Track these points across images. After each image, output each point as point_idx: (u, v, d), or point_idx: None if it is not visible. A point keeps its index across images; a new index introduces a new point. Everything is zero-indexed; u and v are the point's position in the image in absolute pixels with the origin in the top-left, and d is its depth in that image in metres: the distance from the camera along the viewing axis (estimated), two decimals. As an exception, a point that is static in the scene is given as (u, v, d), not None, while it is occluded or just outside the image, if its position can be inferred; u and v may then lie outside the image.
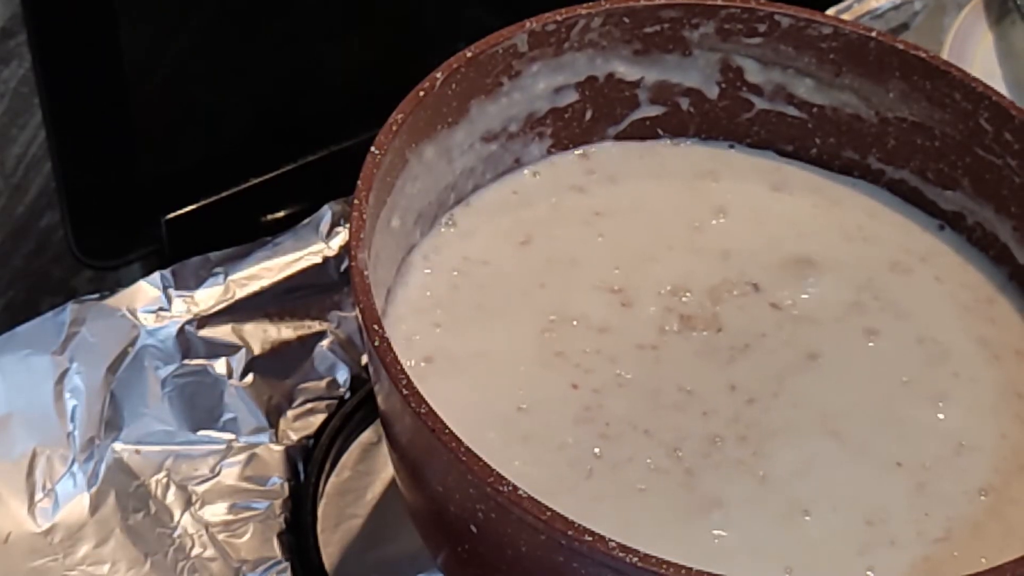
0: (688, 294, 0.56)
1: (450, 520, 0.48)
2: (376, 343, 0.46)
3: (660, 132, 0.62)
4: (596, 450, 0.51)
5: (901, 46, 0.58)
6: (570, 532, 0.42)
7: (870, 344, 0.56)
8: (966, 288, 0.58)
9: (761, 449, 0.51)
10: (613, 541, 0.42)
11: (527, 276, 0.56)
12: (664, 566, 0.42)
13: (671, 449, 0.51)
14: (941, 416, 0.54)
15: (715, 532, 0.49)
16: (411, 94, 0.53)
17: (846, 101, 0.60)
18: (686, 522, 0.49)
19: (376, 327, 0.46)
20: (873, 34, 0.58)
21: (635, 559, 0.42)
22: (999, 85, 0.74)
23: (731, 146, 0.62)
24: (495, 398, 0.52)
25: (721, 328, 0.55)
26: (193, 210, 0.66)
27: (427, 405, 0.45)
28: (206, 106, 0.64)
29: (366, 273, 0.48)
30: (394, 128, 0.52)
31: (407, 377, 0.45)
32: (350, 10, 0.66)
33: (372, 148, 0.51)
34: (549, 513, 0.43)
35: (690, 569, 0.42)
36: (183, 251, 0.64)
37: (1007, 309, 0.57)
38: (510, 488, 0.43)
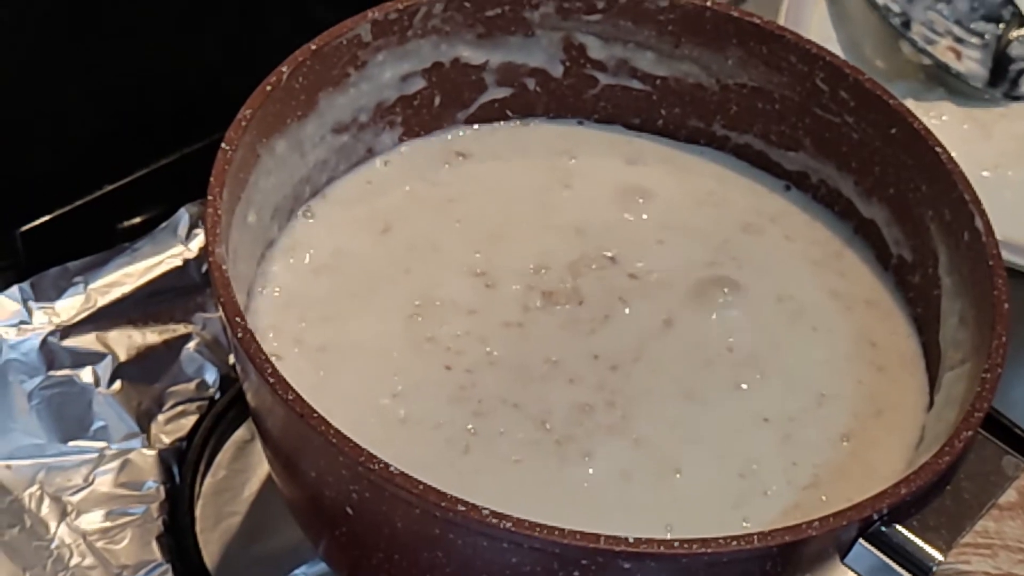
0: (549, 271, 0.57)
1: (326, 506, 0.48)
2: (239, 335, 0.46)
3: (509, 113, 0.62)
4: (470, 427, 0.51)
5: (736, 14, 0.59)
6: (443, 503, 0.43)
7: (729, 305, 0.57)
8: (815, 244, 0.60)
9: (629, 413, 0.52)
10: (486, 509, 0.43)
11: (390, 264, 0.57)
12: (537, 529, 0.43)
13: (540, 421, 0.52)
14: (803, 369, 0.55)
15: (592, 496, 0.50)
16: (258, 89, 0.53)
17: (687, 71, 0.61)
18: (562, 488, 0.50)
19: (239, 319, 0.47)
20: (708, 3, 0.59)
21: (508, 524, 0.43)
22: (836, 49, 0.76)
23: (580, 123, 0.63)
24: (370, 386, 0.53)
25: (582, 301, 0.56)
26: (48, 220, 0.66)
27: (294, 392, 0.45)
28: (55, 115, 0.64)
29: (225, 268, 0.48)
30: (243, 124, 0.52)
31: (272, 366, 0.46)
32: (193, 9, 0.66)
33: (223, 144, 0.51)
34: (421, 487, 0.43)
35: (562, 530, 0.43)
36: (41, 262, 0.63)
37: (854, 261, 0.59)
38: (381, 465, 0.43)
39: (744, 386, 0.54)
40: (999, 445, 0.49)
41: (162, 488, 0.60)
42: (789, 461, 0.52)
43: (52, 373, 0.61)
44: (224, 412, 0.62)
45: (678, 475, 0.51)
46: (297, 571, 0.59)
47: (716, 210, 0.61)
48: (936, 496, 0.47)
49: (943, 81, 0.79)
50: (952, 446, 0.47)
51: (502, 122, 0.62)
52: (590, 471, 0.51)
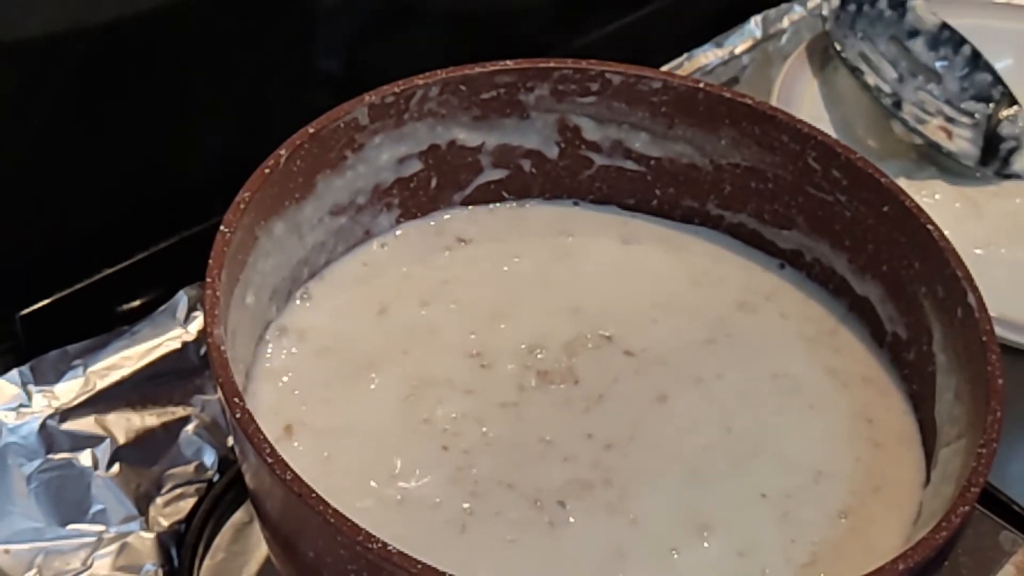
0: (545, 350, 0.57)
1: (325, 587, 0.48)
2: (237, 415, 0.46)
3: (505, 195, 0.63)
4: (467, 506, 0.51)
5: (728, 95, 0.60)
6: (441, 582, 0.43)
7: (725, 382, 0.57)
8: (810, 322, 0.60)
9: (624, 491, 0.52)
10: (484, 587, 0.43)
11: (387, 345, 0.57)
12: (535, 607, 0.43)
13: (533, 500, 0.52)
14: (800, 446, 0.55)
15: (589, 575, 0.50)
16: (257, 172, 0.53)
17: (681, 152, 0.62)
18: (557, 568, 0.50)
19: (236, 400, 0.47)
20: (701, 85, 0.60)
21: (506, 603, 0.43)
22: (827, 128, 0.77)
23: (575, 203, 0.64)
24: (368, 467, 0.53)
25: (578, 380, 0.56)
26: (48, 304, 0.66)
27: (292, 472, 0.45)
28: (55, 199, 0.64)
29: (223, 348, 0.48)
30: (241, 206, 0.52)
31: (271, 445, 0.46)
32: (191, 94, 0.67)
33: (221, 227, 0.51)
34: (420, 566, 0.43)
35: (562, 608, 0.43)
36: (40, 346, 0.64)
37: (849, 339, 0.59)
38: (380, 545, 0.43)
39: (741, 463, 0.54)
40: (997, 520, 0.50)
41: (160, 571, 0.60)
42: (787, 539, 0.52)
43: (51, 456, 0.61)
44: (223, 494, 0.62)
45: (675, 554, 0.51)
46: (296, 654, 0.58)
47: (711, 289, 0.61)
48: (934, 572, 0.47)
49: (935, 160, 0.79)
50: (949, 522, 0.47)
51: (498, 203, 0.63)
52: (583, 550, 0.51)
